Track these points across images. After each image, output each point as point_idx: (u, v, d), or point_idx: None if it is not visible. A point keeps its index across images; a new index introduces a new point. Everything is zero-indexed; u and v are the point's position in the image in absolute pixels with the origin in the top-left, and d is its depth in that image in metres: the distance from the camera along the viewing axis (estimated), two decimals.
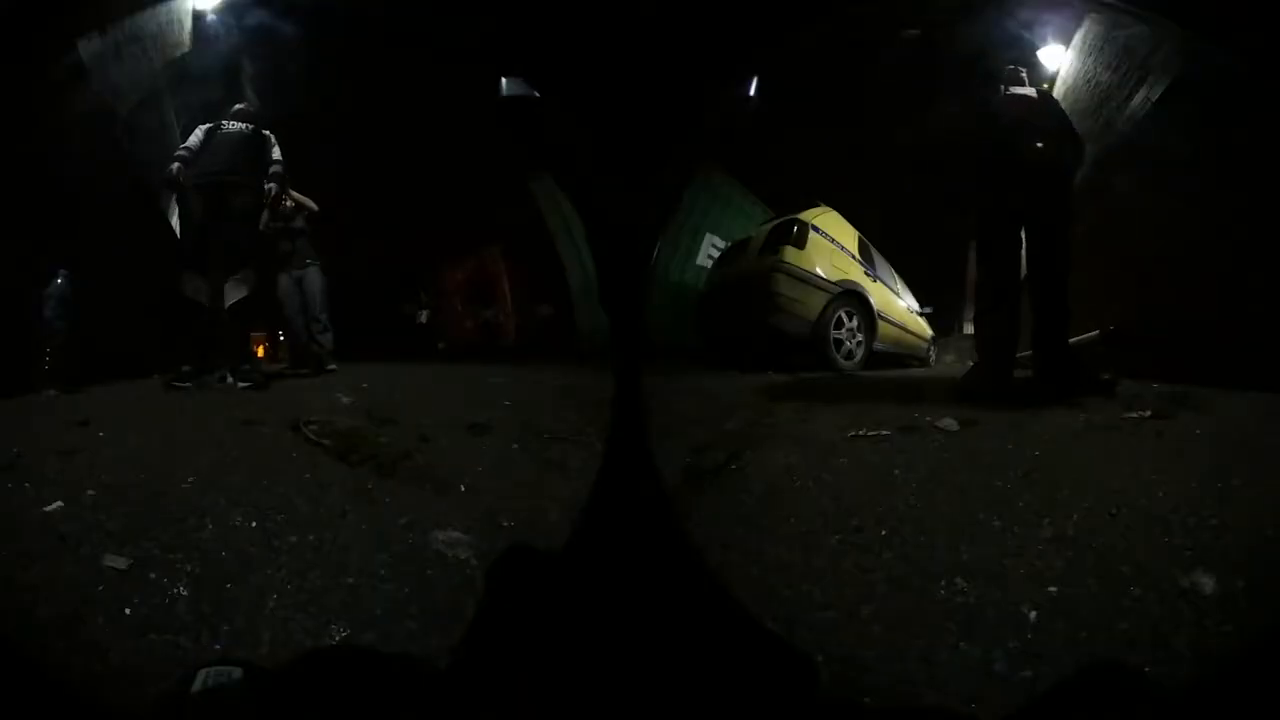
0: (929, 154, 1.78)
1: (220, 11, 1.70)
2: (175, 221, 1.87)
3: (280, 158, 1.97)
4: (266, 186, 2.11)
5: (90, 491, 1.30)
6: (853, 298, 2.08)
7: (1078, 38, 1.61)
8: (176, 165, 1.85)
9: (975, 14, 1.57)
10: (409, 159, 2.12)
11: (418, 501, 1.37)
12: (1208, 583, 1.03)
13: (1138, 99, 1.57)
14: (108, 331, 1.75)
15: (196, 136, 1.87)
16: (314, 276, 2.27)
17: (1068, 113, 1.69)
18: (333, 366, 2.22)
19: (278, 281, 2.28)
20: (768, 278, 2.03)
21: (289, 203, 2.19)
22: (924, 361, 2.27)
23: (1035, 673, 0.96)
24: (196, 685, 0.94)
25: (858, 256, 2.13)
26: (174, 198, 1.87)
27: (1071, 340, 1.71)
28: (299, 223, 2.24)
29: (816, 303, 2.03)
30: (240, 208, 1.90)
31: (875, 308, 2.11)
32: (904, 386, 2.01)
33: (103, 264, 1.71)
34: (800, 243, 2.05)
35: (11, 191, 1.53)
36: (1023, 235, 1.72)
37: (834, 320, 2.05)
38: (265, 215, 2.21)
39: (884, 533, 1.21)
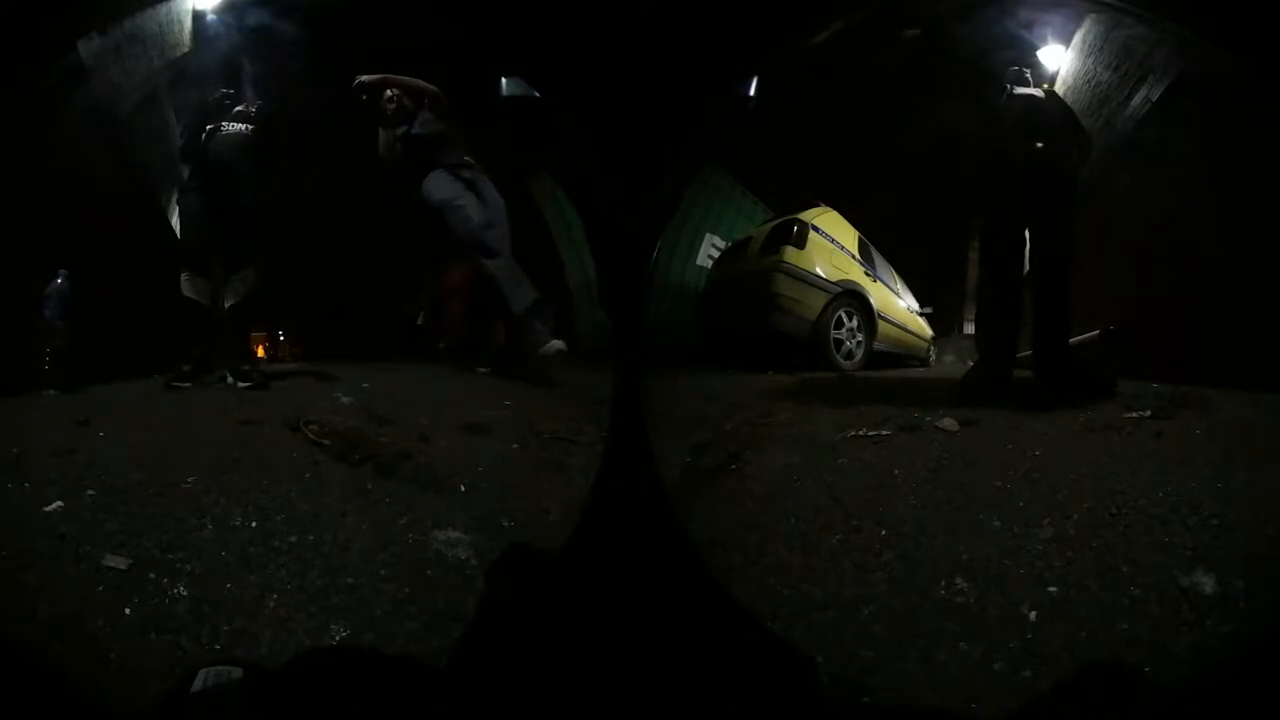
0: (930, 154, 1.78)
1: (220, 11, 1.70)
2: (175, 221, 1.87)
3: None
4: (356, 84, 1.54)
5: (90, 491, 1.30)
6: (853, 298, 2.08)
7: (1078, 38, 1.61)
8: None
9: (975, 14, 1.57)
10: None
11: (418, 501, 1.37)
12: (1208, 583, 1.03)
13: (1138, 99, 1.57)
14: (108, 331, 1.75)
15: (198, 136, 1.87)
16: (491, 191, 1.54)
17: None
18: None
19: (433, 188, 1.56)
20: (768, 278, 2.03)
21: (395, 96, 1.52)
22: (924, 361, 2.27)
23: (1035, 673, 0.96)
24: (196, 685, 0.94)
25: (858, 256, 2.12)
26: (174, 197, 1.87)
27: (1071, 340, 1.71)
28: (426, 120, 1.55)
29: (816, 303, 2.03)
30: (241, 207, 1.90)
31: (875, 308, 2.11)
32: (904, 386, 2.01)
33: (103, 264, 1.71)
34: (800, 243, 2.05)
35: (11, 191, 1.53)
36: (1026, 235, 1.72)
37: (834, 320, 2.05)
38: (381, 137, 1.62)
39: (884, 533, 1.21)
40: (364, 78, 1.61)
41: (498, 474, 1.48)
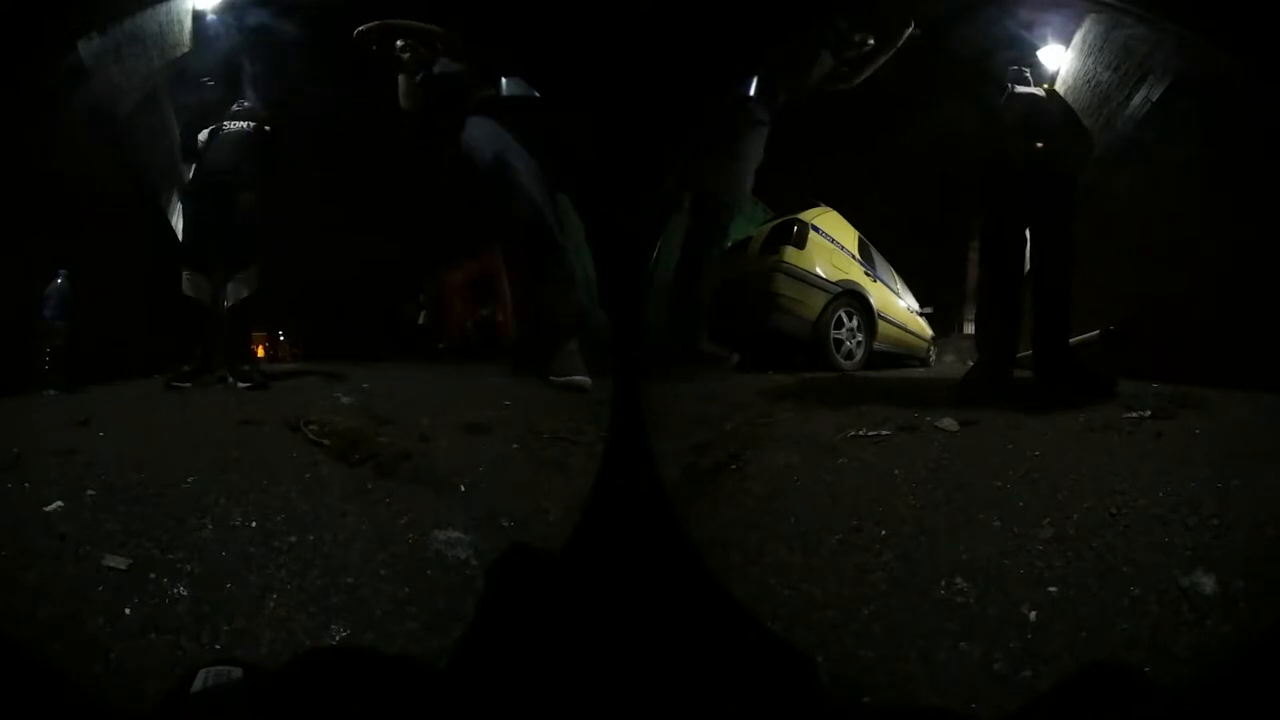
0: (931, 154, 1.78)
1: (220, 11, 1.70)
2: (176, 221, 1.87)
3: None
4: (357, 34, 1.41)
5: (90, 491, 1.30)
6: (853, 298, 2.08)
7: (1078, 38, 1.61)
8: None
9: (975, 14, 1.57)
10: (408, 159, 2.11)
11: (418, 501, 1.37)
12: (1208, 583, 1.03)
13: (1138, 99, 1.57)
14: (108, 331, 1.75)
15: (200, 136, 1.87)
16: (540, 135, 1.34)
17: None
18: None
19: (480, 139, 1.41)
20: (768, 278, 2.03)
21: (409, 45, 1.40)
22: (924, 361, 2.27)
23: (1035, 673, 0.96)
24: (196, 685, 0.94)
25: (858, 256, 2.13)
26: (175, 197, 1.87)
27: (1071, 340, 1.71)
28: (445, 63, 1.41)
29: (816, 303, 2.03)
30: (243, 206, 1.90)
31: (875, 308, 2.12)
32: (904, 386, 2.01)
33: (103, 264, 1.71)
34: (800, 243, 2.05)
35: (12, 191, 1.53)
36: (1026, 235, 1.72)
37: (834, 320, 2.05)
38: (401, 84, 1.46)
39: (884, 533, 1.21)
40: (362, 28, 1.47)
41: (498, 474, 1.48)
